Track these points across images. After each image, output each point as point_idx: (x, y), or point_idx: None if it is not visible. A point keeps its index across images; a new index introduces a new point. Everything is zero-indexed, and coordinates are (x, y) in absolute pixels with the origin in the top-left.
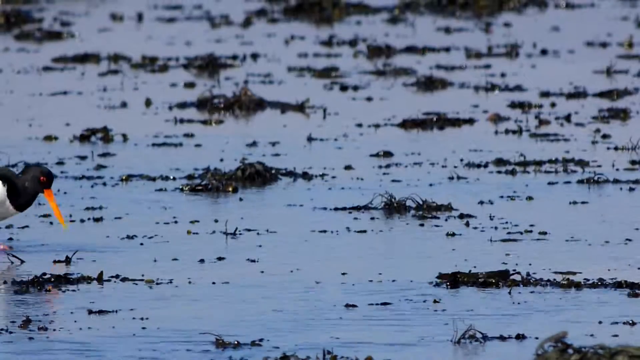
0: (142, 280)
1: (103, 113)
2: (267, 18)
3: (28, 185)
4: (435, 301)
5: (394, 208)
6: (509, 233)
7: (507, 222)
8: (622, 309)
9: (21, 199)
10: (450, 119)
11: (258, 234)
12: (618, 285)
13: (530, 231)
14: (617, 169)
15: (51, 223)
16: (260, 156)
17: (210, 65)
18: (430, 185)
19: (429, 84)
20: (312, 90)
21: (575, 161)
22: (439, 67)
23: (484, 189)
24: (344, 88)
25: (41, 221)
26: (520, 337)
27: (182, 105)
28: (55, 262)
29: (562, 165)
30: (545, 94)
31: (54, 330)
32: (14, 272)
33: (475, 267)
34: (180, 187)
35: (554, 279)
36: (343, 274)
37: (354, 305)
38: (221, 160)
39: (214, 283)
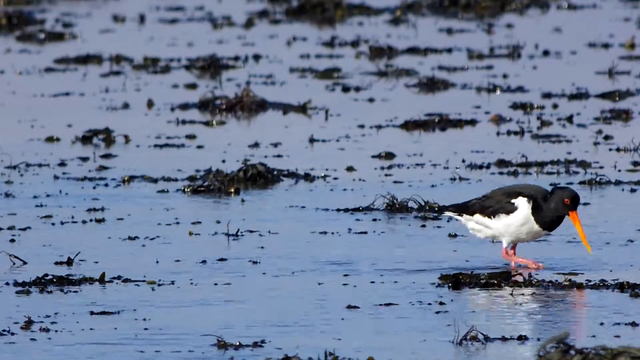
0: (144, 281)
1: (105, 114)
2: (269, 19)
3: (553, 207)
4: (441, 303)
5: (395, 209)
6: None
7: None
8: (624, 310)
9: (545, 218)
10: (452, 120)
11: (260, 235)
12: (620, 286)
13: None
14: (619, 170)
15: (53, 224)
16: (262, 157)
17: (212, 66)
18: (432, 186)
19: (431, 85)
20: (314, 91)
21: (577, 162)
22: (441, 68)
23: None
24: (346, 89)
25: (43, 222)
26: (522, 338)
27: (184, 107)
28: (57, 263)
29: (564, 167)
30: (547, 95)
31: (56, 331)
32: (16, 273)
33: (477, 268)
34: (182, 188)
35: (556, 280)
36: (345, 275)
37: (355, 307)
38: (223, 161)
39: (215, 284)
